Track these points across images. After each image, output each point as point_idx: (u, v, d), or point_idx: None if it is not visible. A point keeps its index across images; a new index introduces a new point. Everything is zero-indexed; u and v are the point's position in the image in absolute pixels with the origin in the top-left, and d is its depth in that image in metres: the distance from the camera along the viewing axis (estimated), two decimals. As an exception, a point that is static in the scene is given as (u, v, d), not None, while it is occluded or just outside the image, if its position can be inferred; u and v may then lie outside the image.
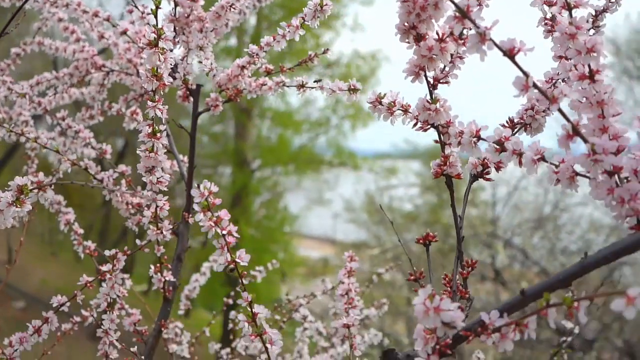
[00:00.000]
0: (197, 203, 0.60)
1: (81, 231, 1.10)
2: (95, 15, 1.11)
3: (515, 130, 0.68)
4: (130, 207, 1.02)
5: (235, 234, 0.62)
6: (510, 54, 0.50)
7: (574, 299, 0.45)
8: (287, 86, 0.95)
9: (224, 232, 0.61)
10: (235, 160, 11.33)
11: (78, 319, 1.12)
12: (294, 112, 12.33)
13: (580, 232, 6.61)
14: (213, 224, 0.61)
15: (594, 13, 0.72)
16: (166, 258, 0.97)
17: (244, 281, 0.65)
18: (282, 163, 11.88)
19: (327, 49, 0.97)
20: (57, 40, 1.31)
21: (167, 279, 0.97)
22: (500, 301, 7.57)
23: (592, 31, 0.71)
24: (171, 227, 0.91)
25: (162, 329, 0.98)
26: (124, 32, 1.07)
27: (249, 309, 0.64)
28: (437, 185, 9.74)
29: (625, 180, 0.52)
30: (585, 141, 0.51)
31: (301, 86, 0.93)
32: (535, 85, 0.50)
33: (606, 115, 0.53)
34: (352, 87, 0.85)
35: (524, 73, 0.51)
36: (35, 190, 0.67)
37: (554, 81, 0.69)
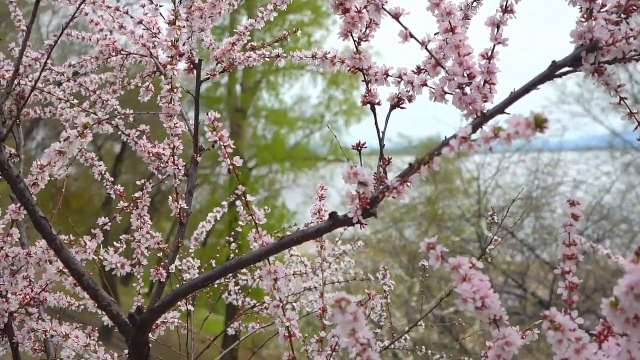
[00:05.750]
0: (206, 125, 0.91)
1: (111, 179, 1.41)
2: (117, 9, 1.42)
3: (422, 73, 0.99)
4: (150, 155, 1.33)
5: (232, 145, 0.93)
6: (396, 16, 0.82)
7: (430, 158, 0.76)
8: (267, 57, 1.27)
9: (225, 144, 0.92)
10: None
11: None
12: (287, 110, 12.64)
13: (562, 210, 6.95)
14: (218, 139, 0.92)
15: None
16: (180, 191, 1.29)
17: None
18: (277, 161, 12.19)
19: (297, 29, 1.29)
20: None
21: (182, 206, 1.28)
22: (491, 279, 7.90)
23: (475, 3, 1.02)
24: (184, 164, 1.22)
25: (179, 245, 1.29)
26: (140, 22, 1.38)
27: (244, 198, 0.96)
28: (433, 177, 10.09)
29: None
30: (444, 68, 0.82)
31: (277, 56, 1.25)
32: (410, 35, 0.82)
33: (461, 54, 0.84)
34: (314, 54, 1.16)
35: (405, 27, 0.82)
36: (96, 125, 0.99)
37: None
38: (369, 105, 0.98)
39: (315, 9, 11.65)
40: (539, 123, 0.58)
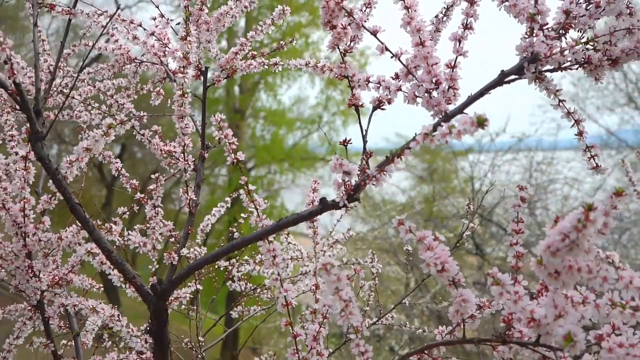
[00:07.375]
0: (213, 125, 1.07)
1: (127, 175, 1.57)
2: (131, 22, 1.58)
3: (399, 80, 1.16)
4: (162, 152, 1.49)
5: (236, 142, 1.09)
6: (374, 33, 0.98)
7: (402, 151, 0.92)
8: (267, 65, 1.43)
9: (230, 141, 1.08)
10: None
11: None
12: (286, 111, 12.79)
13: (555, 207, 7.11)
14: (223, 137, 1.08)
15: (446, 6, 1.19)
16: (190, 184, 1.45)
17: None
18: (276, 161, 12.33)
19: (293, 39, 1.45)
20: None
21: (191, 198, 1.44)
22: (486, 275, 8.09)
23: (445, 18, 1.18)
24: (194, 159, 1.38)
25: (189, 232, 1.46)
26: (152, 33, 1.54)
27: (246, 187, 1.12)
28: (431, 177, 10.26)
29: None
30: (413, 75, 0.98)
31: (275, 64, 1.41)
32: (386, 48, 0.98)
33: (429, 64, 1.00)
34: (307, 62, 1.32)
35: (381, 42, 0.98)
36: (120, 125, 1.15)
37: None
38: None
39: (313, 10, 11.79)
40: (481, 122, 0.75)
